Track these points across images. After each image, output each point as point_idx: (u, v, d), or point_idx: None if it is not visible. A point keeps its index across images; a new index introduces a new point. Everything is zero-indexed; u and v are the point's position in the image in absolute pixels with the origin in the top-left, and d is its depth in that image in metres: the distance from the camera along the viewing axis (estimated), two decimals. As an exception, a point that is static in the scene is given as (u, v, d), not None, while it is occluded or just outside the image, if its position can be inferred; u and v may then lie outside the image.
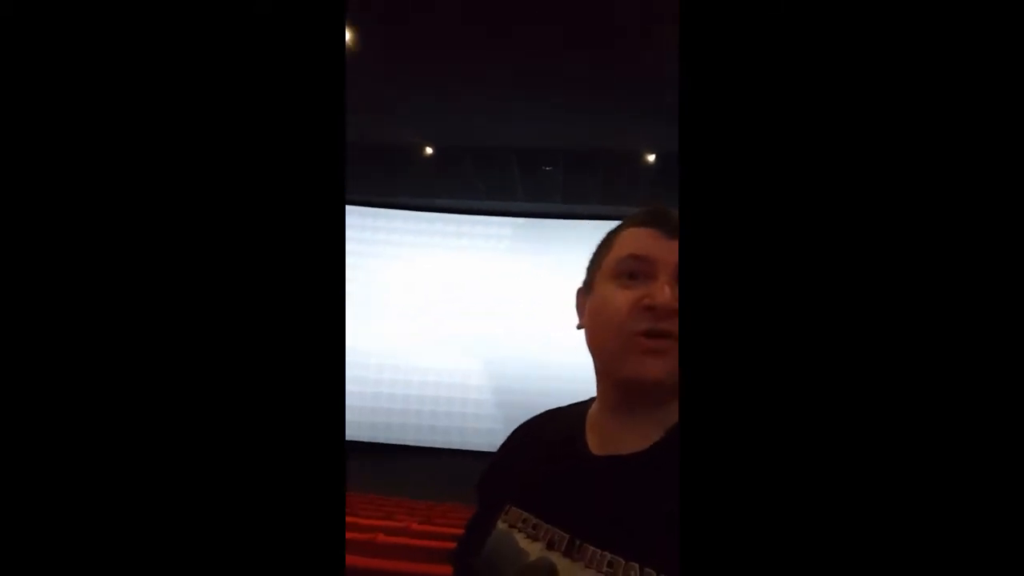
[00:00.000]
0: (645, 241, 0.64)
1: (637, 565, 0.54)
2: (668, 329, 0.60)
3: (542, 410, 0.78)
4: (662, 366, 0.59)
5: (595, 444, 0.65)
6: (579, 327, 0.66)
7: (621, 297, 0.63)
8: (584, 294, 0.69)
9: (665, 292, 0.60)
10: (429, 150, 6.64)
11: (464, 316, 7.20)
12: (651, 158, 6.30)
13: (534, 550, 0.61)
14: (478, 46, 4.60)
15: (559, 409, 0.76)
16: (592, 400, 0.69)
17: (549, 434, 0.72)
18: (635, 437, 0.61)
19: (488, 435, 6.62)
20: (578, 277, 0.71)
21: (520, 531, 0.63)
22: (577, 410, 0.71)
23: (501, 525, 0.65)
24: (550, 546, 0.60)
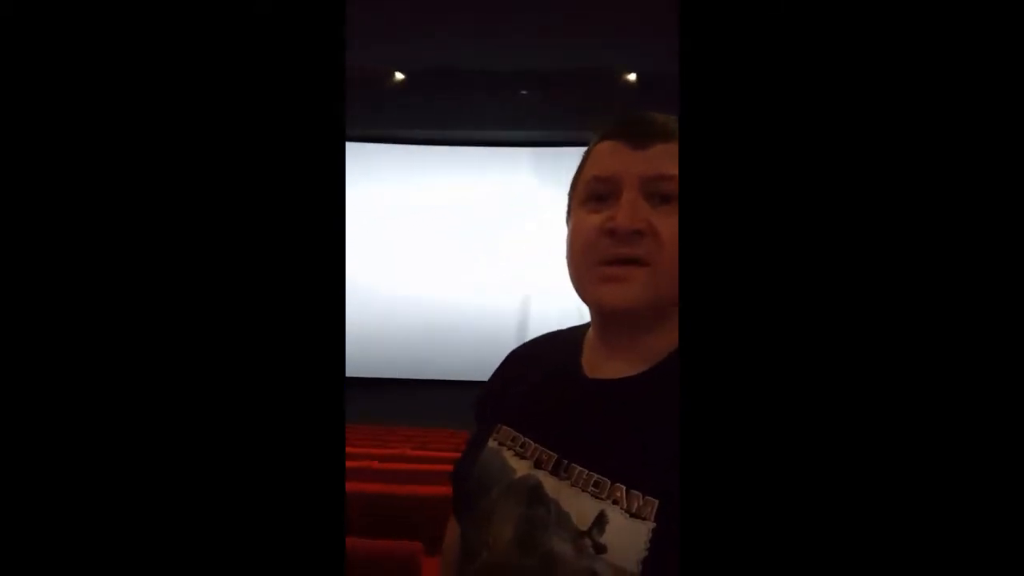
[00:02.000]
0: (609, 158, 0.61)
1: (623, 487, 0.54)
2: (629, 253, 0.57)
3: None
4: (622, 293, 0.58)
5: (589, 367, 0.66)
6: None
7: (588, 223, 0.60)
8: (567, 222, 0.67)
9: (624, 213, 0.57)
10: (400, 76, 6.30)
11: (454, 246, 7.13)
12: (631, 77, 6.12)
13: (521, 467, 0.62)
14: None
15: (558, 332, 0.76)
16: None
17: (545, 356, 0.73)
18: (622, 363, 0.62)
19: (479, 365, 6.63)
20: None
21: (509, 449, 0.65)
22: (575, 333, 0.71)
23: (492, 443, 0.67)
24: (538, 464, 0.61)
